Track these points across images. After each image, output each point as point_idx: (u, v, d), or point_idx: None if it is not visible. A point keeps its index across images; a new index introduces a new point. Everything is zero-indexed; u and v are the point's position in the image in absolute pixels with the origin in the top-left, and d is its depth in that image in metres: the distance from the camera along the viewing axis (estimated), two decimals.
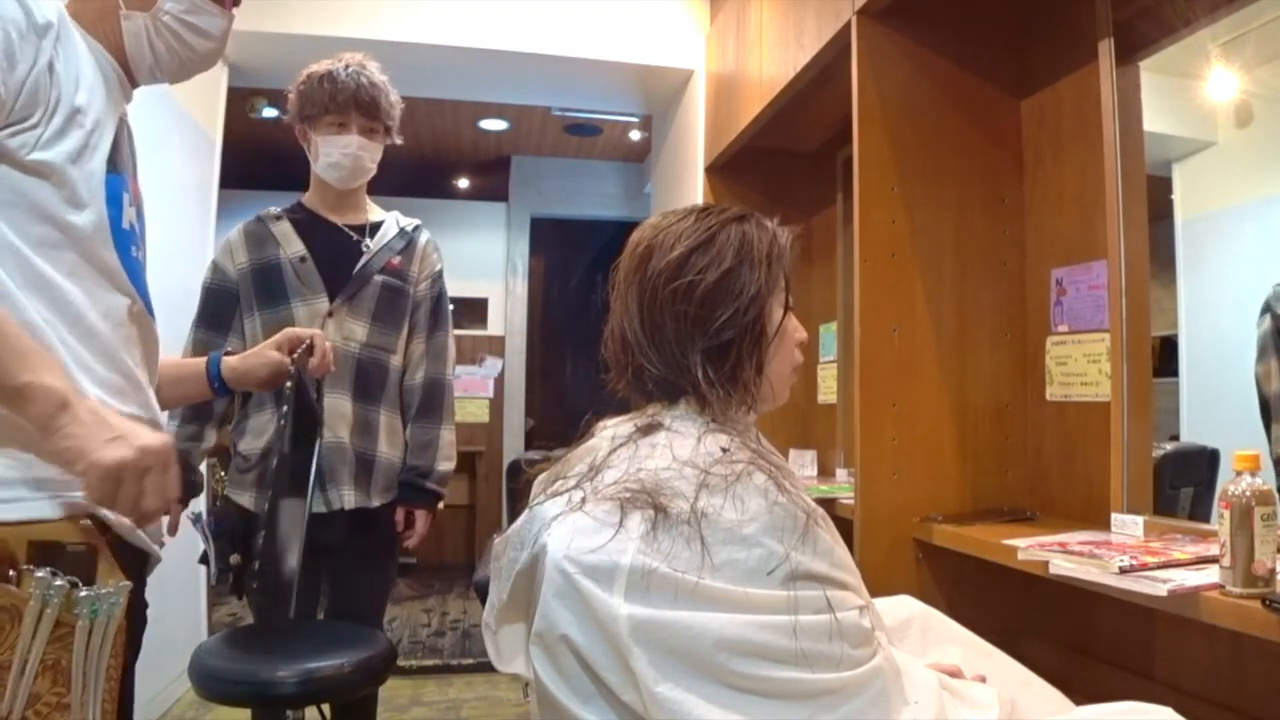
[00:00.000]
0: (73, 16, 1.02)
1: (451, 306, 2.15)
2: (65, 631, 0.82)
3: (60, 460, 0.88)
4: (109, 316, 0.99)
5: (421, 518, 2.03)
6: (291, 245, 1.96)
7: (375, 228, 2.04)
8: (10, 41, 0.89)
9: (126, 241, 1.02)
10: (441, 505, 2.08)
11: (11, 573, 0.82)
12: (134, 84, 1.12)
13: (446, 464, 2.05)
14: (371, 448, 1.95)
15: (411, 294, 2.04)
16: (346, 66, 1.95)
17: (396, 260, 2.02)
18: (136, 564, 1.02)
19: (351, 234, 2.02)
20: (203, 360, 1.46)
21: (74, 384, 0.90)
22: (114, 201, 1.00)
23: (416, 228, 2.10)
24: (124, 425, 0.90)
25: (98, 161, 0.98)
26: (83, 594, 0.83)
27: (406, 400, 2.04)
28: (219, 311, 1.96)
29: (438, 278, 2.09)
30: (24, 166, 0.91)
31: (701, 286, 0.98)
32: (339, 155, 1.96)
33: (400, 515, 2.01)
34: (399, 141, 2.08)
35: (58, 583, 0.82)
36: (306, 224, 2.01)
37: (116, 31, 1.06)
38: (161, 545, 1.07)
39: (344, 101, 1.94)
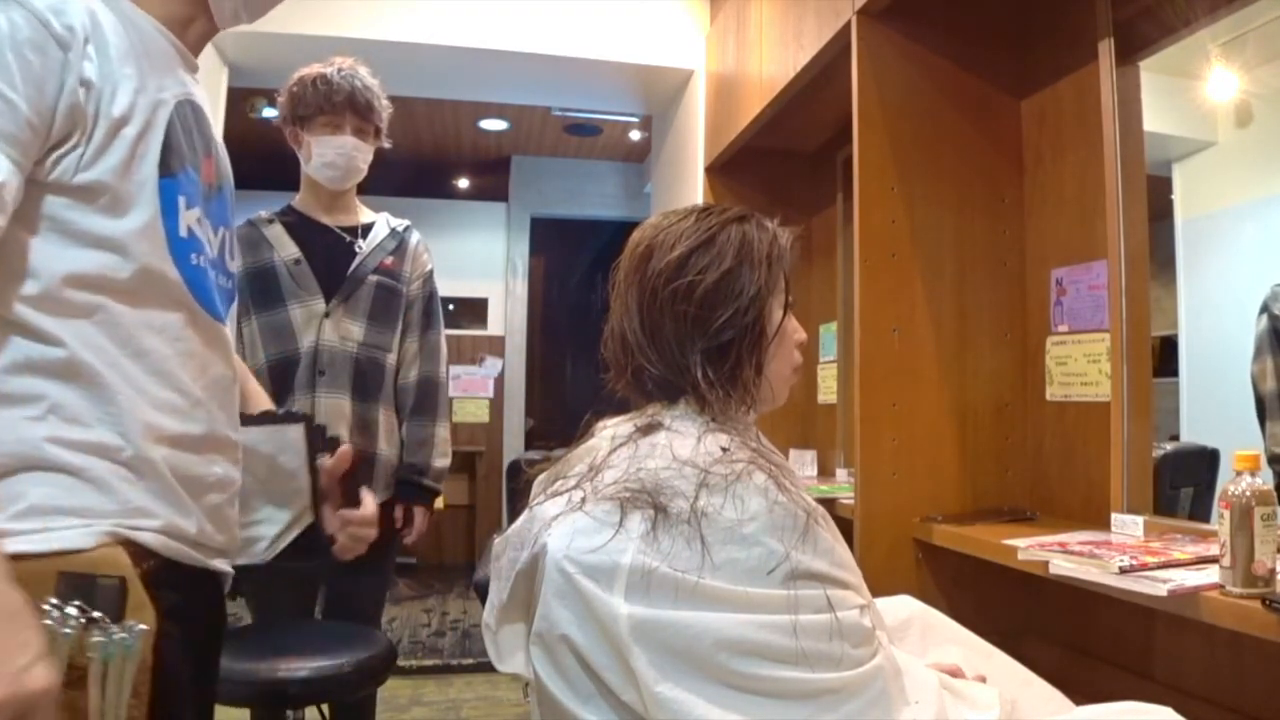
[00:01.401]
0: None
1: (451, 306, 2.16)
2: (79, 675, 0.77)
3: None
4: (164, 332, 0.92)
5: (420, 514, 2.05)
6: (285, 248, 1.97)
7: (367, 229, 2.06)
8: (30, 67, 0.81)
9: (185, 250, 0.95)
10: (441, 503, 2.09)
11: None
12: (212, 34, 1.01)
13: (442, 460, 2.07)
14: (371, 446, 1.96)
15: (405, 294, 2.05)
16: (339, 69, 1.96)
17: (389, 260, 2.04)
18: (206, 584, 0.96)
19: (344, 235, 2.03)
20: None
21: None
22: (169, 210, 0.92)
23: (407, 228, 2.12)
24: (37, 644, 0.70)
25: (148, 169, 0.90)
26: (95, 638, 0.78)
27: (401, 399, 2.06)
28: None
29: (429, 277, 2.12)
30: (69, 190, 0.85)
31: (701, 287, 0.98)
32: (334, 155, 1.97)
33: (399, 512, 2.02)
34: (388, 145, 2.09)
35: (66, 630, 0.76)
36: (299, 227, 2.02)
37: None
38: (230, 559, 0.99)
39: (340, 103, 1.95)
